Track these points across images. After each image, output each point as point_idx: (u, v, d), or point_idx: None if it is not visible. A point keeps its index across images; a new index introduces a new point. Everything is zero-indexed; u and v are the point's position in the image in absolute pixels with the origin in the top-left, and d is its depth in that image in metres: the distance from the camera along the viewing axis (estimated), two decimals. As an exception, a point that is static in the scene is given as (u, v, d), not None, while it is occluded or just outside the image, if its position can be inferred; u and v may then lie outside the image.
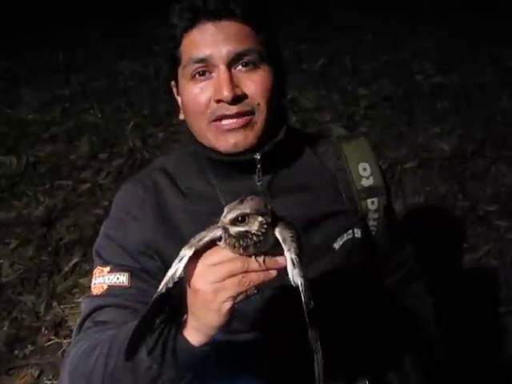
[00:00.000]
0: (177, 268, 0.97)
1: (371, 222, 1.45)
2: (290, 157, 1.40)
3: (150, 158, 4.10)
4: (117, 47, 6.31)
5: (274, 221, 0.95)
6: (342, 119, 4.54)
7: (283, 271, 0.96)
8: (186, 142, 1.46)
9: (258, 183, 1.32)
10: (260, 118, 1.26)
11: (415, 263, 1.65)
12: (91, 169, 4.16)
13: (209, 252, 0.97)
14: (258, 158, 1.29)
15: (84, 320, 1.28)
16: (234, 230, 0.92)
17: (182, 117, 1.38)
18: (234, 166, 1.31)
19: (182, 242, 1.26)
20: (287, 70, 1.40)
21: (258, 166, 1.30)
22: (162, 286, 0.98)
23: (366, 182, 1.42)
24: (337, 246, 1.36)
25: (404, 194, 3.67)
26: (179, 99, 1.37)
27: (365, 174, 1.42)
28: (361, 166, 1.42)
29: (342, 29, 6.29)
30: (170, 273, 0.98)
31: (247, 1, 1.25)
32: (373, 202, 1.43)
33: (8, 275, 3.29)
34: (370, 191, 1.42)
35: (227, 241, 0.93)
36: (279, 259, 0.95)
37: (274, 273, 0.95)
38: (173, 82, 1.38)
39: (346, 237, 1.38)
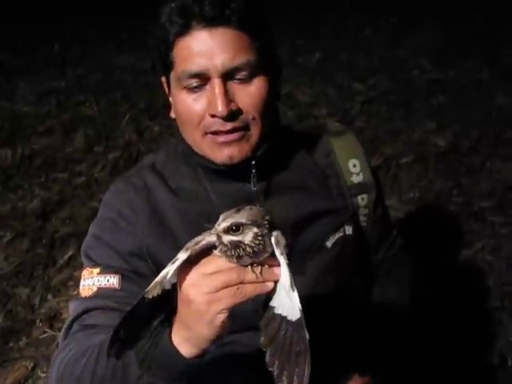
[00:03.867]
0: (169, 270, 0.93)
1: (361, 218, 1.45)
2: (283, 157, 1.38)
3: (146, 151, 4.10)
4: (113, 40, 6.28)
5: (270, 229, 0.91)
6: (338, 114, 4.53)
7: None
8: (172, 140, 1.43)
9: (253, 188, 1.30)
10: (255, 130, 1.22)
11: (403, 257, 1.64)
12: (87, 162, 4.15)
13: (203, 261, 0.93)
14: (253, 163, 1.27)
15: (72, 323, 1.25)
16: (226, 238, 0.89)
17: (173, 115, 1.34)
18: (227, 173, 1.28)
19: (175, 242, 1.23)
20: (282, 70, 1.35)
21: (253, 171, 1.28)
22: (151, 287, 0.94)
23: (355, 179, 1.40)
24: (329, 244, 1.35)
25: (399, 190, 3.67)
26: (171, 98, 1.33)
27: (355, 170, 1.40)
28: (351, 162, 1.41)
29: (338, 23, 6.28)
30: (162, 273, 0.94)
31: (244, 7, 1.17)
32: (363, 199, 1.42)
33: (3, 268, 3.29)
34: (360, 188, 1.41)
35: (221, 248, 0.90)
36: (276, 270, 0.91)
37: (270, 285, 0.91)
38: (163, 79, 1.33)
39: (337, 235, 1.37)
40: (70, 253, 3.33)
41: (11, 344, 2.85)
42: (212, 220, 1.22)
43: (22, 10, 6.98)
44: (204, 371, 1.07)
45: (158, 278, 0.94)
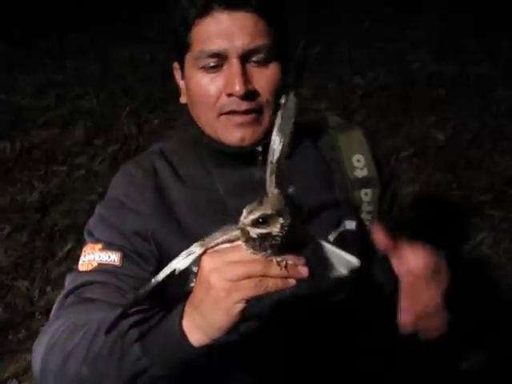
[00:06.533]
0: (182, 263, 0.94)
1: (364, 215, 1.43)
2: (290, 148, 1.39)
3: (145, 144, 4.09)
4: (112, 33, 6.25)
5: None
6: (337, 107, 4.53)
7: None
8: (183, 127, 1.45)
9: (259, 175, 1.29)
10: (267, 114, 1.26)
11: None
12: (86, 155, 4.14)
13: (229, 248, 0.93)
14: (260, 150, 1.29)
15: (67, 294, 1.23)
16: (255, 231, 0.88)
17: (183, 100, 1.36)
18: (235, 156, 1.31)
19: (179, 227, 1.27)
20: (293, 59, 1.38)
21: (260, 157, 1.30)
22: (161, 275, 0.95)
23: (359, 173, 1.41)
24: (331, 238, 1.35)
25: (399, 183, 3.67)
26: (182, 83, 1.36)
27: (359, 165, 1.41)
28: (355, 157, 1.42)
29: (340, 15, 6.26)
30: (172, 264, 0.95)
31: None
32: (366, 194, 1.41)
33: (2, 261, 3.29)
34: (363, 182, 1.41)
35: (246, 243, 0.90)
36: (301, 269, 0.90)
37: (293, 282, 0.90)
38: (176, 64, 1.36)
39: (340, 229, 1.37)
40: (69, 246, 3.33)
41: (10, 336, 2.85)
42: (217, 207, 1.28)
43: (21, 2, 6.95)
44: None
45: (167, 269, 0.95)
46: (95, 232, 1.31)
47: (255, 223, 0.88)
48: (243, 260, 0.90)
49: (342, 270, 1.02)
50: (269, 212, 0.88)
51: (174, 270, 0.95)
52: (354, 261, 1.02)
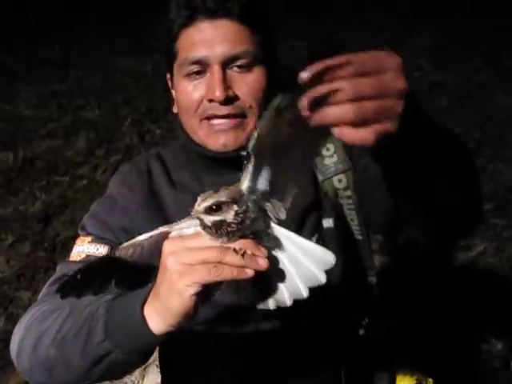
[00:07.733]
0: (143, 236, 0.99)
1: (344, 201, 1.39)
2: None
3: (147, 154, 4.10)
4: (114, 43, 6.29)
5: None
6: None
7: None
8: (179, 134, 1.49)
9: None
10: (251, 120, 1.27)
11: None
12: (88, 165, 4.16)
13: (191, 235, 0.96)
14: (244, 154, 1.30)
15: (54, 281, 1.28)
16: (208, 219, 0.89)
17: (175, 110, 1.39)
18: (221, 161, 1.32)
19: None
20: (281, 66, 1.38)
21: (245, 162, 1.31)
22: (124, 245, 1.00)
23: (328, 161, 1.38)
24: (314, 239, 1.35)
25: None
26: (174, 92, 1.39)
27: (327, 153, 1.38)
28: (324, 148, 1.37)
29: (340, 26, 6.29)
30: (138, 237, 0.99)
31: (245, 1, 1.25)
32: (340, 180, 1.38)
33: (4, 271, 3.29)
34: (334, 169, 1.37)
35: (204, 230, 0.91)
36: (261, 261, 0.90)
37: (250, 272, 0.89)
38: (168, 75, 1.39)
39: (320, 230, 1.36)
40: (72, 256, 3.33)
41: (13, 347, 2.85)
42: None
43: (24, 13, 6.99)
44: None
45: (133, 240, 0.99)
46: (87, 226, 1.37)
47: (208, 210, 0.89)
48: (201, 246, 0.91)
49: (318, 275, 0.96)
50: (222, 199, 0.89)
51: (136, 241, 0.99)
52: (329, 257, 0.95)
